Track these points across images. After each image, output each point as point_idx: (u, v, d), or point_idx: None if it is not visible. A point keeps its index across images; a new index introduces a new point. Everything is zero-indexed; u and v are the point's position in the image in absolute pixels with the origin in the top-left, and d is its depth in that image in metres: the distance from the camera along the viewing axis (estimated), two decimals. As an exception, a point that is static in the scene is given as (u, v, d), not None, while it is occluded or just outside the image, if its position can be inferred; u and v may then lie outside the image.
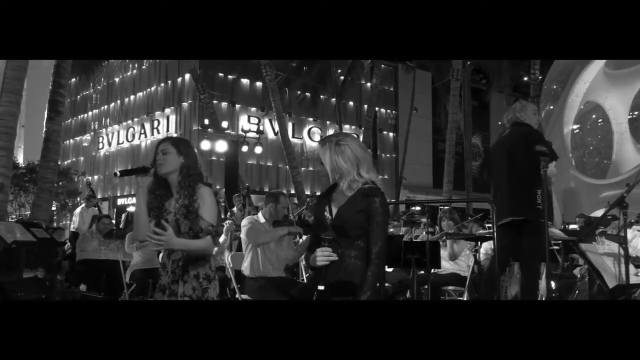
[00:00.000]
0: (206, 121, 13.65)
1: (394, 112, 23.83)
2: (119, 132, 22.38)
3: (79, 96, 24.61)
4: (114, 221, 8.96)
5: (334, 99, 19.24)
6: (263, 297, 4.40)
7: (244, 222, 4.72)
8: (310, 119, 21.25)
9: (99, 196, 17.82)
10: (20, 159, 20.35)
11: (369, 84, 19.00)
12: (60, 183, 16.43)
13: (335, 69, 18.46)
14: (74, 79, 19.87)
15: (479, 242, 5.06)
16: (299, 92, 19.31)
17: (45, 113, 9.14)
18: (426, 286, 4.94)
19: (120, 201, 21.30)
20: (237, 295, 5.01)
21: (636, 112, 10.82)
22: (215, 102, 16.74)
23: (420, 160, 22.59)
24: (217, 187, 14.23)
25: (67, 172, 18.53)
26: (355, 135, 2.71)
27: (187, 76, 18.15)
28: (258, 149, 15.22)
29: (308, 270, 4.63)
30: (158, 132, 20.16)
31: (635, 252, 4.91)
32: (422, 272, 4.98)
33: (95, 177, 22.68)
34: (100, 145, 23.16)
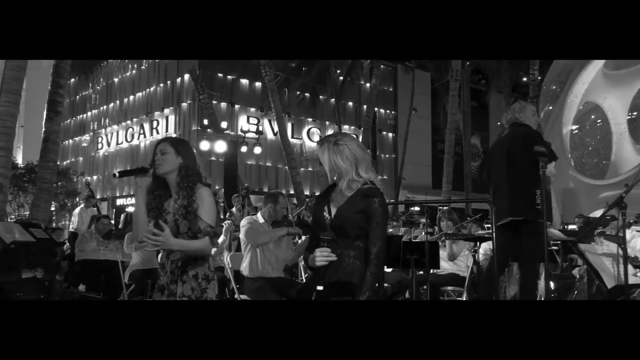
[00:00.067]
0: (205, 121, 13.63)
1: (393, 112, 23.83)
2: (118, 132, 22.37)
3: (78, 96, 24.60)
4: (113, 221, 8.97)
5: (333, 100, 19.23)
6: (262, 298, 4.39)
7: (243, 222, 4.72)
8: (310, 120, 21.25)
9: (98, 196, 17.80)
10: (19, 159, 20.34)
11: (368, 85, 18.99)
12: (59, 183, 16.41)
13: (334, 70, 18.45)
14: (73, 79, 19.87)
15: (478, 243, 5.06)
16: (298, 92, 19.30)
17: (44, 113, 9.13)
18: (425, 286, 4.94)
19: (119, 201, 21.29)
20: (236, 296, 5.01)
21: (635, 113, 10.82)
22: (214, 102, 16.73)
23: (419, 160, 22.58)
24: (217, 187, 14.22)
25: (66, 173, 18.51)
26: (354, 136, 2.70)
27: (187, 76, 18.14)
28: (257, 150, 15.21)
29: (307, 271, 4.62)
30: (157, 133, 20.15)
31: (634, 253, 4.91)
32: (421, 272, 4.99)
33: (95, 177, 22.66)
34: (100, 146, 23.15)
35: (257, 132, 16.61)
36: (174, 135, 16.19)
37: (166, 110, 20.27)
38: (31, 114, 22.37)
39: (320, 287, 2.33)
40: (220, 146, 12.69)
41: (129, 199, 20.02)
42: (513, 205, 4.20)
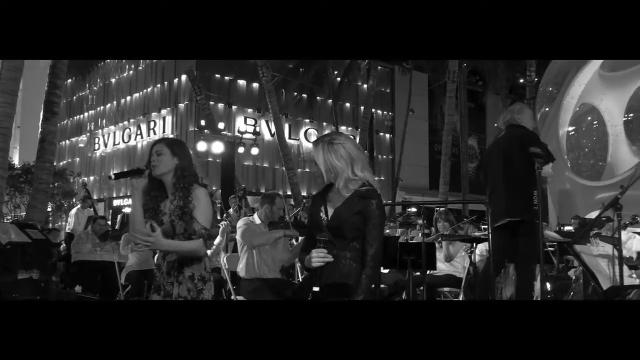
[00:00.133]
0: (202, 122, 13.62)
1: (390, 113, 23.83)
2: (115, 133, 22.30)
3: (74, 97, 24.52)
4: (109, 222, 8.95)
5: (330, 101, 19.22)
6: (258, 299, 4.39)
7: (240, 223, 4.72)
8: (307, 121, 21.22)
9: (94, 197, 17.78)
10: (15, 160, 20.28)
11: (365, 86, 19.01)
12: (56, 184, 16.34)
13: (332, 71, 18.45)
14: (70, 80, 19.77)
15: (475, 244, 5.07)
16: (295, 93, 19.28)
17: (40, 114, 9.10)
18: (422, 287, 4.95)
19: (116, 202, 21.23)
20: (232, 297, 5.00)
21: (631, 115, 10.84)
22: (211, 103, 16.68)
23: (416, 161, 22.58)
24: (213, 188, 14.19)
25: (62, 173, 18.44)
26: (352, 137, 2.71)
27: (184, 77, 18.11)
28: (254, 150, 15.19)
29: (304, 272, 4.62)
30: (154, 133, 20.09)
31: (630, 254, 4.93)
32: (418, 273, 4.99)
33: (91, 178, 22.59)
34: (96, 146, 23.08)
35: (255, 133, 16.60)
36: (170, 136, 16.18)
37: (163, 111, 20.23)
38: (28, 114, 22.29)
39: (316, 288, 2.33)
40: (218, 147, 12.68)
41: (126, 200, 19.98)
42: (510, 206, 4.21)
